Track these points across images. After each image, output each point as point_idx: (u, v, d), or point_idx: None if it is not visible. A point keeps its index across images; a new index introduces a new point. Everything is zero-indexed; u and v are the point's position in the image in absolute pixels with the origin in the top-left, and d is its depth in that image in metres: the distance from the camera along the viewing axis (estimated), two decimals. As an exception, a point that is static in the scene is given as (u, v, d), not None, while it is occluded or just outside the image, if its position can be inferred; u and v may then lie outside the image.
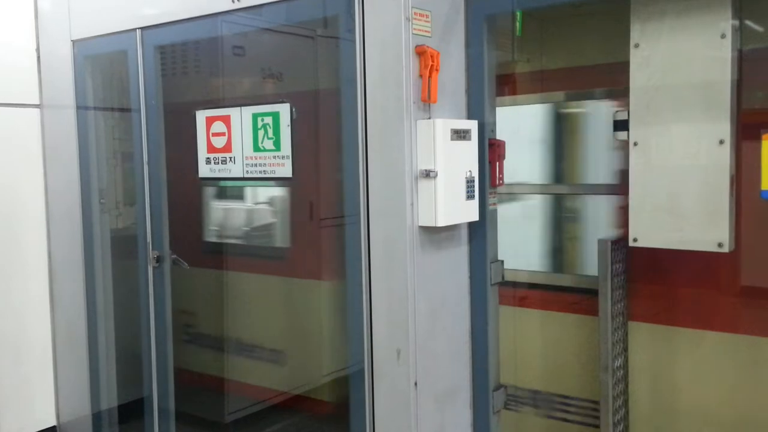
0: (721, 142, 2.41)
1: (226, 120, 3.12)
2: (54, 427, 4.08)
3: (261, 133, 3.01)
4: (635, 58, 2.55)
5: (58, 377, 4.07)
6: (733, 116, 2.43)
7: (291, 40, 3.45)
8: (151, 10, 3.45)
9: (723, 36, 2.40)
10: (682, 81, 2.48)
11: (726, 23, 2.40)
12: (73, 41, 3.81)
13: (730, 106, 2.42)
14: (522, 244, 3.98)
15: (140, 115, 3.57)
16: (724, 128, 2.42)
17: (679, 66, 2.48)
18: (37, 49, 3.95)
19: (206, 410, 4.26)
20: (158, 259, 3.58)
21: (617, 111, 2.67)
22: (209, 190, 4.70)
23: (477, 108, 2.80)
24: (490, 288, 2.85)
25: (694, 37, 2.44)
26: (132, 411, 3.93)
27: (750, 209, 2.58)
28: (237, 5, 3.07)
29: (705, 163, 2.45)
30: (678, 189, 2.50)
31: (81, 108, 3.85)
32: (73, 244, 3.92)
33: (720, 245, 2.43)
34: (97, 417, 3.99)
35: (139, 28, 3.50)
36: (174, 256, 3.63)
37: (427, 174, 2.56)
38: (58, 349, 4.06)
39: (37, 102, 3.97)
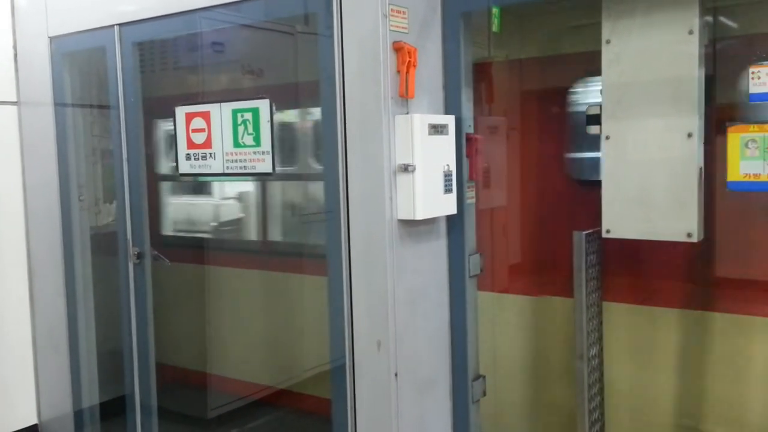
0: (690, 135, 2.48)
1: (205, 116, 3.14)
2: (35, 425, 4.07)
3: (241, 128, 3.03)
4: (607, 54, 2.61)
5: (38, 375, 4.06)
6: (701, 110, 2.50)
7: (271, 36, 3.47)
8: (130, 7, 3.45)
9: (691, 32, 2.47)
10: (652, 76, 2.54)
11: (694, 20, 2.46)
12: (51, 38, 3.79)
13: (698, 100, 2.49)
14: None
15: (119, 111, 3.57)
16: (692, 122, 2.49)
17: (649, 62, 2.54)
18: (14, 46, 3.93)
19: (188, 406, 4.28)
20: (139, 256, 3.59)
21: (590, 106, 2.73)
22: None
23: (454, 103, 2.85)
24: (469, 280, 2.90)
25: (663, 33, 2.50)
26: (114, 408, 3.93)
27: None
28: (216, 2, 3.09)
29: (674, 156, 2.51)
30: (649, 181, 2.56)
31: (59, 105, 3.83)
32: (53, 241, 3.92)
33: (689, 235, 2.51)
34: (78, 414, 3.99)
35: (117, 25, 3.50)
36: (155, 252, 3.64)
37: (406, 168, 2.61)
38: (38, 347, 4.05)
39: (15, 99, 3.95)
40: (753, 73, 2.35)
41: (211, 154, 3.15)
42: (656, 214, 2.56)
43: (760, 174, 2.37)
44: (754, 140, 2.36)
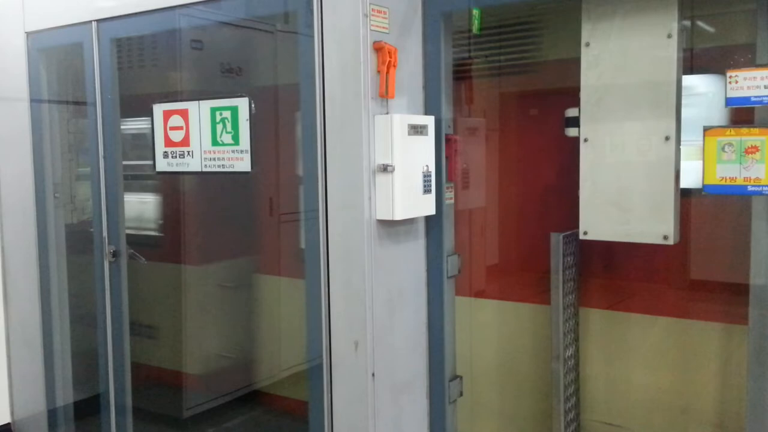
0: (667, 138, 2.50)
1: (183, 114, 3.11)
2: (8, 424, 4.01)
3: (219, 127, 3.01)
4: (586, 57, 2.63)
5: (12, 374, 4.00)
6: (679, 113, 2.52)
7: (250, 34, 3.45)
8: (108, 2, 3.42)
9: (669, 36, 2.49)
10: (631, 79, 2.56)
11: (672, 23, 2.48)
12: (27, 33, 3.75)
13: (675, 103, 2.51)
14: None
15: (96, 108, 3.53)
16: (670, 125, 2.51)
17: (628, 65, 2.56)
18: (-10, 41, 3.88)
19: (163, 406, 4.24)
20: (114, 254, 3.55)
21: (568, 108, 2.74)
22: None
23: (434, 104, 2.85)
24: (447, 280, 2.91)
25: (642, 36, 2.52)
26: (88, 407, 3.89)
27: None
28: (195, -1, 3.06)
29: (652, 159, 2.53)
30: (626, 183, 2.58)
31: (35, 101, 3.79)
32: (27, 239, 3.86)
33: (665, 238, 2.53)
34: (52, 413, 3.95)
35: (95, 21, 3.47)
36: (131, 251, 3.60)
37: (385, 168, 2.60)
38: (12, 345, 3.99)
39: (-10, 94, 3.90)
40: (730, 77, 2.37)
41: (189, 152, 3.13)
42: (633, 216, 2.57)
43: (736, 177, 2.39)
44: (730, 144, 2.38)
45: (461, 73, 3.14)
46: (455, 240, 3.00)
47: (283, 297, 4.24)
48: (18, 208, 3.89)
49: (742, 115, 2.50)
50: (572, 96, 2.69)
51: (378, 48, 2.60)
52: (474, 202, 3.27)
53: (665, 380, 2.97)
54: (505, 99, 3.41)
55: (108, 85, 3.49)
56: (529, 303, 3.25)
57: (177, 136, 3.15)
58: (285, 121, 3.85)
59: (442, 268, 2.89)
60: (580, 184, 2.67)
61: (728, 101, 2.38)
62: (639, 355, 3.02)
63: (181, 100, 3.19)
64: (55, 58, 3.83)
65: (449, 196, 2.95)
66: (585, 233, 2.68)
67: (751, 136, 2.34)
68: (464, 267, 3.07)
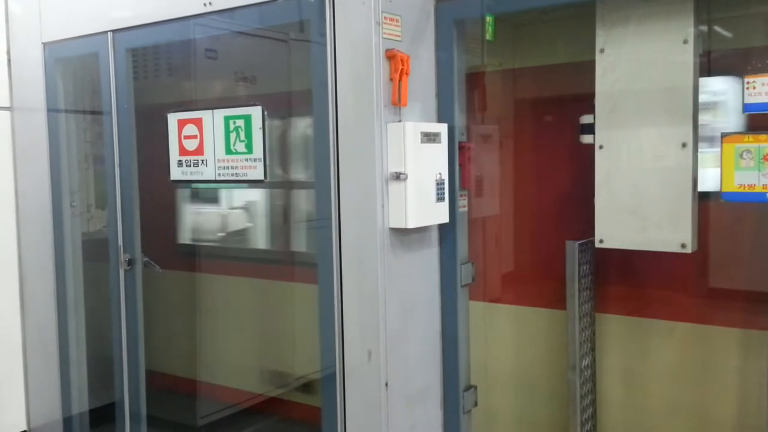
0: (684, 145, 2.47)
1: (197, 123, 3.12)
2: (25, 431, 4.03)
3: (233, 135, 3.01)
4: (601, 63, 2.60)
5: (28, 381, 4.03)
6: (696, 120, 2.49)
7: (264, 43, 3.46)
8: (123, 13, 3.44)
9: (685, 41, 2.46)
10: (646, 85, 2.53)
11: (688, 29, 2.45)
12: (44, 44, 3.78)
13: (692, 110, 2.47)
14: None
15: (112, 117, 3.56)
16: (686, 132, 2.47)
17: (643, 71, 2.53)
18: (8, 52, 3.91)
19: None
20: (130, 262, 3.57)
21: (583, 115, 2.72)
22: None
23: (447, 111, 2.83)
24: (461, 289, 2.88)
25: (657, 42, 2.49)
26: (104, 415, 3.90)
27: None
28: (209, 8, 3.08)
29: (668, 166, 2.50)
30: (642, 191, 2.55)
31: (52, 111, 3.82)
32: (44, 247, 3.89)
33: (683, 246, 2.49)
34: (68, 421, 3.96)
35: (110, 31, 3.49)
36: (146, 259, 3.62)
37: (398, 176, 2.59)
38: (28, 353, 4.02)
39: (8, 104, 3.93)
40: (748, 82, 2.34)
41: (203, 160, 3.13)
42: (650, 224, 2.54)
43: (754, 185, 2.35)
44: (749, 150, 2.35)
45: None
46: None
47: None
48: (35, 216, 3.92)
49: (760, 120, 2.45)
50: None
51: (390, 56, 2.59)
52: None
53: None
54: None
55: (123, 94, 3.51)
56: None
57: (191, 144, 3.16)
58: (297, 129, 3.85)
59: (455, 276, 2.87)
60: (595, 192, 2.64)
61: (746, 107, 2.34)
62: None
63: (195, 109, 3.20)
64: (72, 68, 3.86)
65: (462, 203, 2.93)
66: (601, 241, 2.64)
67: (770, 143, 2.30)
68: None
